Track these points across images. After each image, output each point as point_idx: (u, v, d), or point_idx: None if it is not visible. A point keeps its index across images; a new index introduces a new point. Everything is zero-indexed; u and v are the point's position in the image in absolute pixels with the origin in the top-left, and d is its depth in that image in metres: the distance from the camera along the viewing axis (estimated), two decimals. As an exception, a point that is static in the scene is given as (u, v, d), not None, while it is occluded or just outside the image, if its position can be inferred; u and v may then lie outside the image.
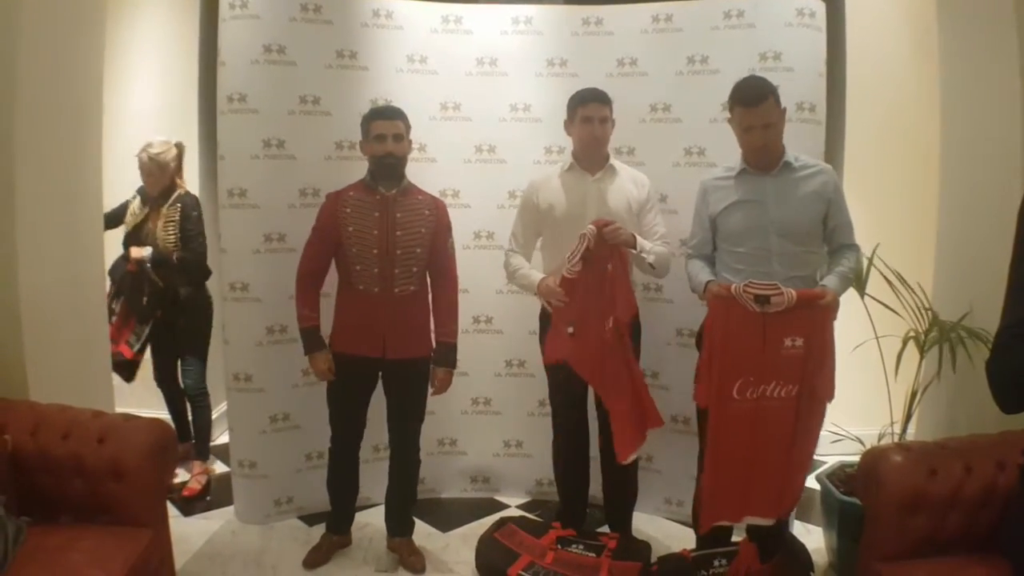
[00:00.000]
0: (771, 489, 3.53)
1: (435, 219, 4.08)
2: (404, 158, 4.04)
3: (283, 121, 4.44)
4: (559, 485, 4.41)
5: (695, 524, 3.93)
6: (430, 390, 4.18)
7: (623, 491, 4.31)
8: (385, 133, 3.94)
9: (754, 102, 3.62)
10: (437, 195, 4.42)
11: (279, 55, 4.40)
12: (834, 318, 3.57)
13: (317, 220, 4.07)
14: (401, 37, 4.69)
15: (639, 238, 3.92)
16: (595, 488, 4.44)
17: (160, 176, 4.69)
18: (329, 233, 4.01)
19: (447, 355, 4.15)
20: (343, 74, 4.56)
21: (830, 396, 3.51)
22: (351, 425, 4.17)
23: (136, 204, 4.83)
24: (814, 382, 3.47)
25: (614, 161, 4.16)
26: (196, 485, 4.83)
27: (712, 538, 3.92)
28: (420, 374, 4.11)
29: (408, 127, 4.03)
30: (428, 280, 4.13)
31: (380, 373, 4.14)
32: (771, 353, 3.48)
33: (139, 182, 4.82)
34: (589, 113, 4.02)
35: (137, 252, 4.70)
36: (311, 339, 4.03)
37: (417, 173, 4.45)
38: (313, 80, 4.49)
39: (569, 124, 4.13)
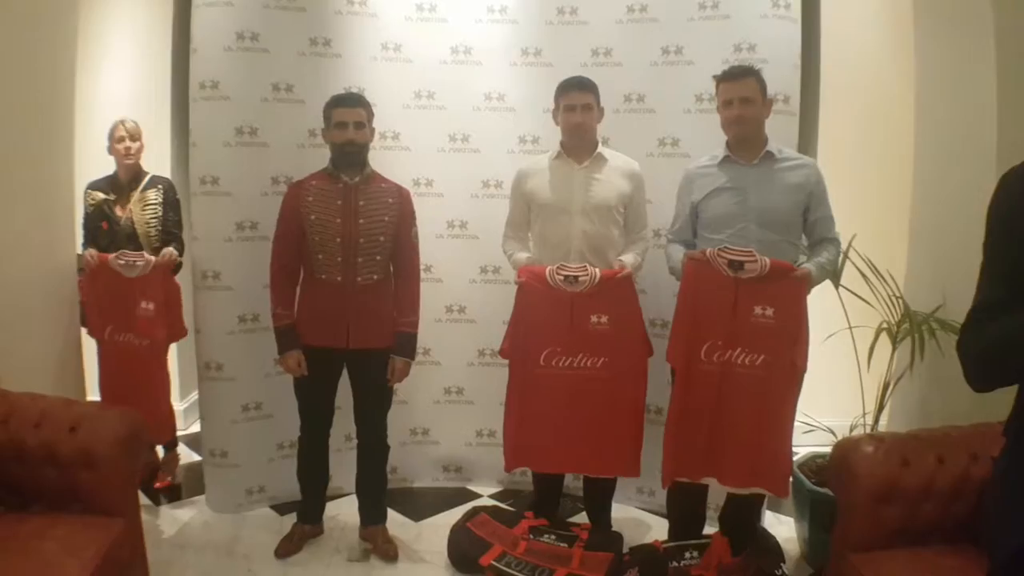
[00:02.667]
0: (739, 457, 3.70)
1: (399, 207, 4.10)
2: (366, 146, 4.05)
3: (256, 108, 4.47)
4: (534, 476, 4.46)
5: (668, 512, 4.16)
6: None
7: (604, 485, 4.38)
8: (346, 121, 3.95)
9: (737, 76, 3.78)
10: (410, 184, 4.48)
11: (252, 42, 4.43)
12: (807, 292, 3.69)
13: (281, 211, 4.10)
14: (375, 25, 4.72)
15: (631, 262, 4.06)
16: (567, 478, 4.52)
17: (137, 153, 4.60)
18: (293, 223, 4.03)
19: (406, 345, 4.16)
20: (316, 61, 4.59)
21: (804, 368, 3.65)
22: (319, 415, 4.21)
23: (97, 195, 4.59)
24: (792, 354, 3.59)
25: (603, 149, 4.19)
26: (167, 477, 4.83)
27: (685, 528, 4.04)
28: (384, 363, 4.12)
29: (370, 115, 4.05)
30: (392, 269, 4.16)
31: (345, 363, 4.17)
32: (741, 319, 3.64)
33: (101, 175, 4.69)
34: (571, 101, 4.06)
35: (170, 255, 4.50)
36: (285, 338, 4.06)
37: (390, 162, 4.54)
38: (286, 67, 4.52)
39: (555, 113, 4.17)
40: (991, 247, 2.04)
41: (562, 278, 3.88)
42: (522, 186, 4.22)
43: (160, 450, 4.93)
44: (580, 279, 3.86)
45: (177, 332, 4.52)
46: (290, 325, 4.04)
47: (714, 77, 3.88)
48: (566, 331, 3.92)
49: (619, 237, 4.14)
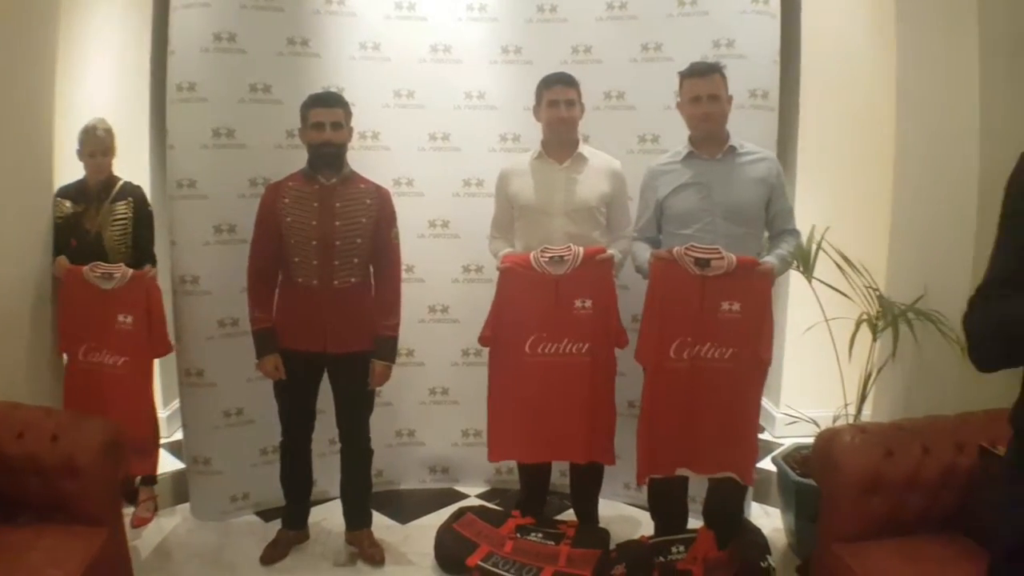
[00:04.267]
0: (708, 447, 3.85)
1: (377, 208, 4.10)
2: (344, 146, 4.05)
3: (233, 110, 4.49)
4: (521, 473, 4.51)
5: (652, 507, 4.24)
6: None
7: (591, 480, 4.44)
8: (323, 121, 3.95)
9: (705, 72, 3.89)
10: (391, 184, 4.50)
11: (229, 43, 4.45)
12: (771, 285, 3.83)
13: (258, 213, 4.10)
14: (354, 24, 4.75)
15: (616, 256, 4.12)
16: (554, 475, 4.59)
17: (109, 156, 4.50)
18: (270, 226, 4.03)
19: (387, 349, 4.17)
20: (294, 61, 4.62)
21: (770, 360, 3.79)
22: (300, 419, 4.22)
23: (66, 205, 4.44)
24: (757, 346, 3.69)
25: (584, 148, 4.24)
26: (147, 514, 4.64)
27: (670, 524, 4.13)
28: (365, 367, 4.14)
29: (348, 115, 4.06)
30: (371, 271, 4.18)
31: (325, 366, 4.18)
32: (708, 315, 3.76)
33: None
34: (555, 96, 4.11)
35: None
36: (262, 342, 4.06)
37: (370, 161, 4.56)
38: (264, 68, 4.55)
39: (537, 109, 4.22)
40: (1006, 222, 2.06)
41: (547, 259, 3.96)
42: (505, 187, 4.27)
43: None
44: (565, 258, 3.95)
45: (160, 347, 4.43)
46: (268, 329, 4.05)
47: (680, 73, 3.98)
48: (552, 316, 4.01)
49: (600, 237, 4.18)
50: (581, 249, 3.96)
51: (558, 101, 4.10)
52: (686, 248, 3.74)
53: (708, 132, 3.90)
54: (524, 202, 4.19)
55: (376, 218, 4.08)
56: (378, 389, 4.25)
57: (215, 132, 4.47)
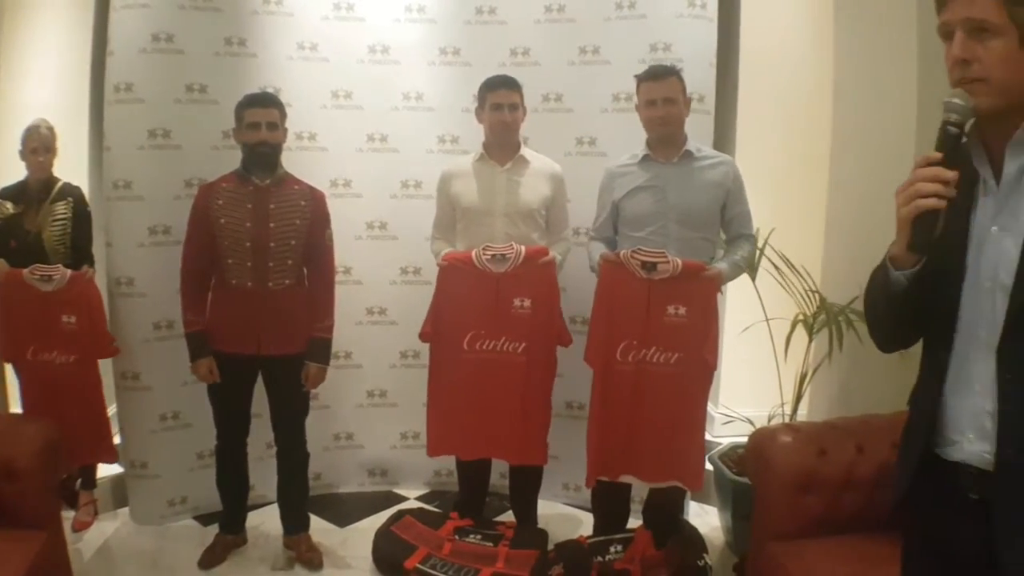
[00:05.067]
0: (655, 453, 3.95)
1: (312, 210, 4.16)
2: (279, 147, 4.10)
3: (169, 110, 4.55)
4: (460, 473, 4.60)
5: (592, 507, 4.34)
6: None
7: (530, 481, 4.53)
8: (259, 121, 3.99)
9: (660, 76, 3.95)
10: (328, 185, 4.61)
11: (167, 43, 4.52)
12: (717, 291, 3.93)
13: (191, 214, 4.14)
14: (292, 24, 4.83)
15: (557, 258, 4.22)
16: (493, 476, 4.69)
17: (51, 155, 4.48)
18: (203, 227, 4.07)
19: (321, 351, 4.22)
20: (232, 62, 4.69)
21: (715, 364, 3.89)
22: (234, 423, 4.27)
23: (7, 206, 4.46)
24: (702, 351, 3.81)
25: (525, 151, 4.34)
26: (87, 518, 4.66)
27: (610, 523, 4.21)
28: (299, 369, 4.19)
29: (283, 115, 4.11)
30: (305, 273, 4.24)
31: (259, 369, 4.23)
32: (654, 319, 3.86)
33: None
34: (498, 100, 4.19)
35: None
36: (196, 344, 4.11)
37: (308, 163, 4.66)
38: (201, 68, 4.61)
39: (479, 111, 4.30)
40: None
41: (489, 257, 4.05)
42: (447, 188, 4.35)
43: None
44: (507, 256, 4.04)
45: (103, 349, 4.43)
46: (201, 332, 4.10)
47: (636, 76, 4.04)
48: (490, 314, 4.09)
49: (540, 239, 4.28)
50: (523, 248, 4.07)
51: (501, 105, 4.19)
52: (632, 251, 3.86)
53: (664, 135, 3.99)
54: (466, 204, 4.28)
55: (310, 220, 4.14)
56: (315, 392, 4.32)
57: (151, 133, 4.53)
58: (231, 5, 4.66)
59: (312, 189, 4.23)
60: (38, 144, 4.40)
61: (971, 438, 1.92)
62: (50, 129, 4.45)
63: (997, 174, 1.92)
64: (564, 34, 4.81)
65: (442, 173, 4.42)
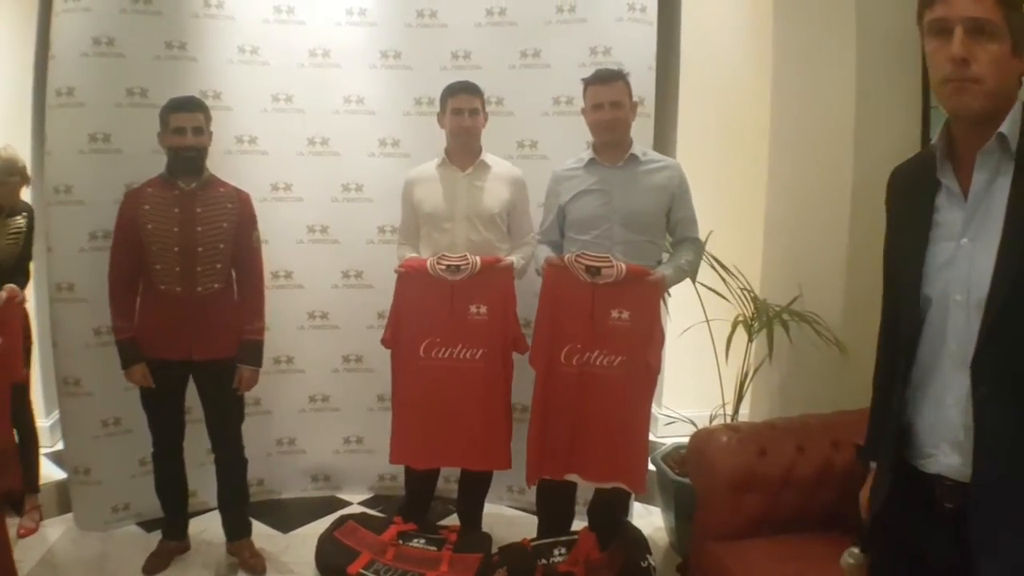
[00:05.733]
0: (599, 454, 4.04)
1: (238, 212, 4.23)
2: (204, 151, 4.17)
3: (110, 114, 4.60)
4: (408, 479, 4.63)
5: (537, 509, 4.41)
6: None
7: (480, 484, 4.60)
8: (185, 126, 4.06)
9: (607, 79, 4.04)
10: (269, 189, 4.72)
11: (108, 47, 4.58)
12: (661, 295, 4.04)
13: (117, 220, 4.19)
14: (232, 27, 4.90)
15: (516, 263, 4.27)
16: (439, 480, 4.73)
17: (18, 184, 4.57)
18: (130, 233, 4.11)
19: (253, 353, 4.28)
20: (172, 65, 4.74)
21: (658, 368, 4.00)
22: (169, 429, 4.32)
23: None
24: (646, 355, 3.93)
25: (486, 156, 4.42)
26: (31, 524, 4.72)
27: (555, 525, 4.30)
28: (232, 373, 4.24)
29: (208, 119, 4.19)
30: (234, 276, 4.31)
31: (191, 374, 4.26)
32: (598, 323, 3.96)
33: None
34: (459, 104, 4.27)
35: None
36: (127, 351, 4.15)
37: (248, 166, 4.77)
38: (141, 72, 4.66)
39: (441, 116, 4.38)
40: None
41: (444, 267, 4.12)
42: (410, 195, 4.43)
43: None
44: (462, 267, 4.11)
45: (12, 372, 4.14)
46: (132, 338, 4.15)
47: (583, 80, 4.14)
48: (446, 321, 4.16)
49: (502, 244, 4.39)
50: (478, 259, 4.14)
51: (461, 109, 4.27)
52: (577, 255, 3.97)
53: (610, 139, 4.08)
54: (427, 209, 4.36)
55: (237, 222, 4.22)
56: (256, 397, 4.34)
57: (92, 137, 4.58)
58: (172, 8, 4.72)
59: (238, 191, 4.31)
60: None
61: (946, 451, 1.95)
62: (11, 158, 4.51)
63: (964, 186, 1.94)
64: (505, 37, 4.93)
65: (405, 179, 4.49)
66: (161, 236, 4.06)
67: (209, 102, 4.54)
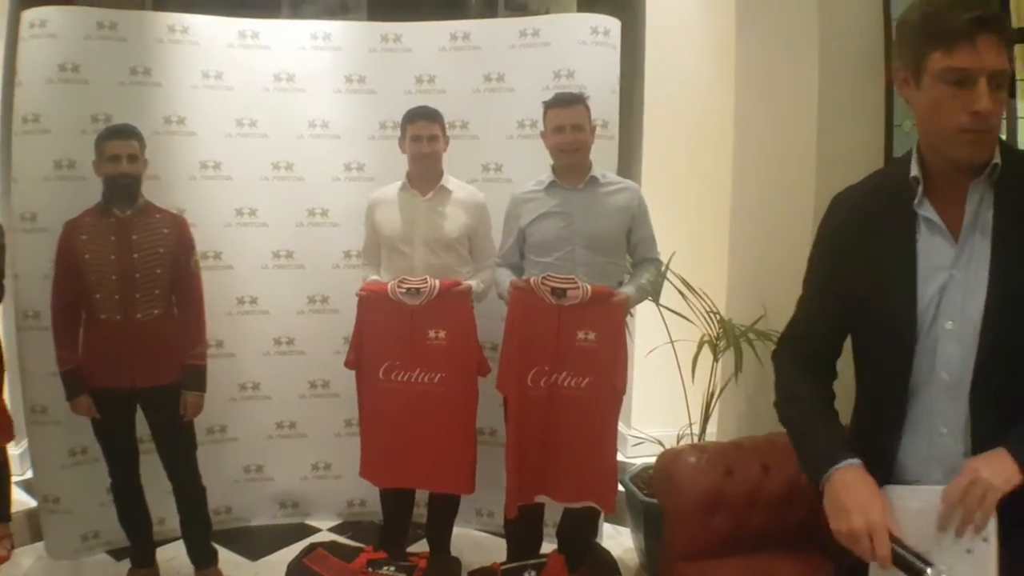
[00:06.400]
0: (568, 475, 4.14)
1: (175, 237, 4.29)
2: (139, 178, 4.23)
3: (75, 141, 4.65)
4: (384, 504, 4.69)
5: (506, 532, 4.46)
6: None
7: (448, 508, 4.65)
8: (120, 153, 4.12)
9: (569, 103, 4.13)
10: (233, 214, 4.84)
11: (73, 73, 4.68)
12: (625, 315, 4.15)
13: (57, 252, 4.23)
14: (196, 52, 4.99)
15: (475, 287, 4.35)
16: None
17: None
18: (69, 263, 4.17)
19: (196, 378, 4.32)
20: (136, 91, 4.84)
21: (623, 389, 4.11)
22: (122, 458, 4.37)
23: None
24: (612, 376, 4.03)
25: (448, 180, 4.51)
26: (3, 552, 4.57)
27: (524, 548, 4.35)
28: (177, 399, 4.27)
29: (143, 146, 4.25)
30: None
31: (137, 402, 4.30)
32: (565, 344, 4.05)
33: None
34: (417, 131, 4.37)
35: None
36: (71, 383, 4.19)
37: (212, 191, 4.89)
38: (106, 98, 4.75)
39: (401, 142, 4.47)
40: (814, 265, 2.34)
41: (403, 291, 4.19)
42: (371, 217, 4.55)
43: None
44: (421, 290, 4.18)
45: None
46: (75, 369, 4.19)
47: (544, 103, 4.24)
48: (405, 345, 4.25)
49: (461, 268, 4.48)
50: (437, 282, 4.23)
51: (420, 136, 4.36)
52: (543, 278, 4.05)
53: (572, 162, 4.16)
54: (387, 233, 4.46)
55: (175, 247, 4.28)
56: (223, 424, 4.38)
57: (57, 164, 4.66)
58: (136, 34, 4.82)
59: (175, 216, 4.40)
60: None
61: (939, 478, 1.97)
62: None
63: (951, 221, 1.99)
64: (469, 61, 5.05)
65: (368, 201, 4.60)
66: (99, 264, 4.12)
67: (173, 127, 4.70)
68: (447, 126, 4.74)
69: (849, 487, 2.01)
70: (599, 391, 4.04)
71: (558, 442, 4.09)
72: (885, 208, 2.10)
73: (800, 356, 2.40)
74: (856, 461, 2.06)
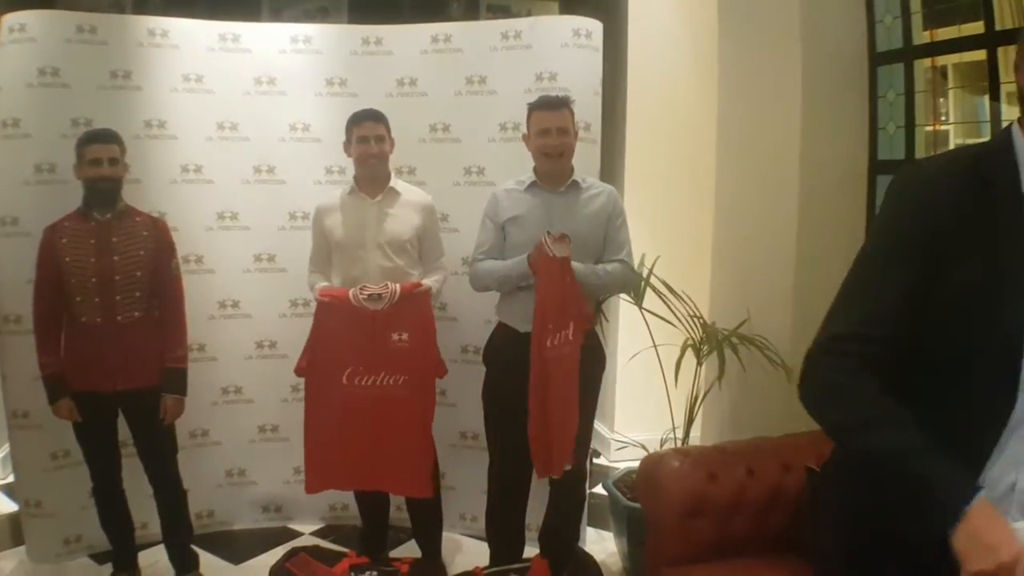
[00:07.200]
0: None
1: (155, 240, 4.36)
2: (119, 181, 4.30)
3: (55, 145, 4.70)
4: (360, 508, 4.81)
5: (488, 537, 4.50)
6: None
7: (427, 512, 4.70)
8: (101, 157, 4.18)
9: (554, 106, 4.15)
10: (215, 218, 4.91)
11: (53, 78, 4.78)
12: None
13: (38, 256, 4.29)
14: (177, 56, 5.08)
15: (432, 287, 4.44)
16: (391, 509, 4.90)
17: None
18: (50, 267, 4.23)
19: (176, 381, 4.40)
20: (116, 95, 4.93)
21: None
22: (104, 462, 4.43)
23: None
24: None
25: (396, 182, 4.59)
26: None
27: (505, 553, 4.41)
28: (157, 402, 4.34)
29: (123, 150, 4.31)
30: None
31: (118, 405, 4.37)
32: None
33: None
34: (364, 132, 4.44)
35: None
36: (52, 386, 4.25)
37: (194, 195, 4.97)
38: (86, 102, 4.83)
39: (347, 145, 4.54)
40: (889, 255, 1.91)
41: (365, 297, 4.28)
42: (320, 223, 4.62)
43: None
44: (383, 296, 4.27)
45: None
46: (56, 373, 4.25)
47: (528, 105, 4.25)
48: (368, 349, 4.32)
49: (413, 269, 4.54)
50: (398, 287, 4.32)
51: (367, 137, 4.43)
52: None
53: (556, 165, 4.18)
54: (338, 238, 4.53)
55: (155, 250, 4.36)
56: (205, 428, 4.41)
57: (37, 168, 4.75)
58: (117, 38, 4.90)
59: (154, 219, 4.47)
60: None
61: (1016, 516, 1.77)
62: None
63: None
64: (451, 64, 5.11)
65: (316, 208, 4.67)
66: (79, 268, 4.18)
67: (154, 131, 4.77)
68: (429, 128, 4.83)
69: (992, 522, 1.67)
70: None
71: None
72: (991, 199, 1.80)
73: (870, 366, 1.88)
74: (982, 491, 1.71)
